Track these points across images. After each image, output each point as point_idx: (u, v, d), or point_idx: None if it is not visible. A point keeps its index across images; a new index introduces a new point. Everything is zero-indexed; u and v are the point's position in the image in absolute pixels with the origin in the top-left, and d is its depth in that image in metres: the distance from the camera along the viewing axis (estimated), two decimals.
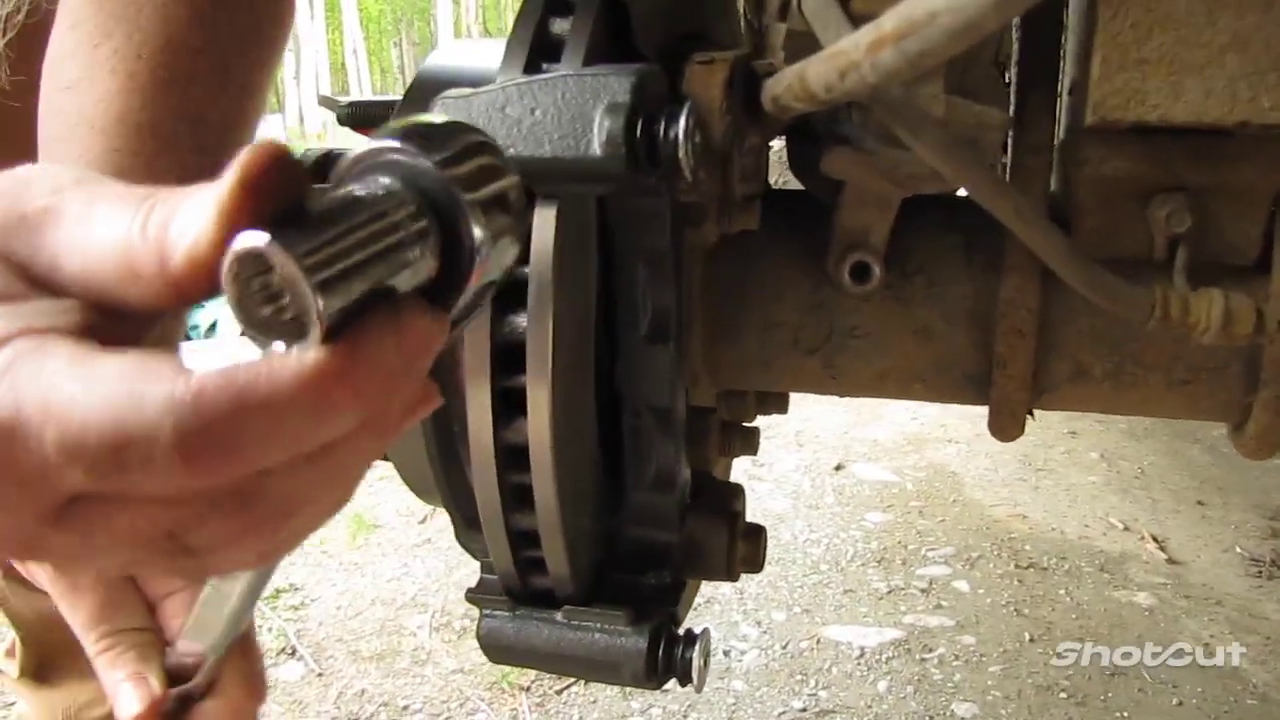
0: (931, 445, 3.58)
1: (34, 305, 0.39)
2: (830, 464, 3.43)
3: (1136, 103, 0.79)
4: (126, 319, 0.41)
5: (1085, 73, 0.81)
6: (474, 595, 0.83)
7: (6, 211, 0.40)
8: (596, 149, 0.67)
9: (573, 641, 0.80)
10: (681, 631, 0.82)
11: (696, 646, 0.80)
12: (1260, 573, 2.71)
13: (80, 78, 0.76)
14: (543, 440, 0.73)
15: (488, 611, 0.83)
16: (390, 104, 0.96)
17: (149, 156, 0.75)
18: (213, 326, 4.94)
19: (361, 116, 1.00)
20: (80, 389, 0.34)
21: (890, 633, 2.47)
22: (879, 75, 0.52)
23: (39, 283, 0.40)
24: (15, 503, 0.36)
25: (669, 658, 0.80)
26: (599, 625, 0.79)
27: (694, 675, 0.79)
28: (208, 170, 0.37)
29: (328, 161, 1.13)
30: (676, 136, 0.66)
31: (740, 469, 3.34)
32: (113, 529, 0.38)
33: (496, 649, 0.82)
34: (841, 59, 0.56)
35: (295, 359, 0.35)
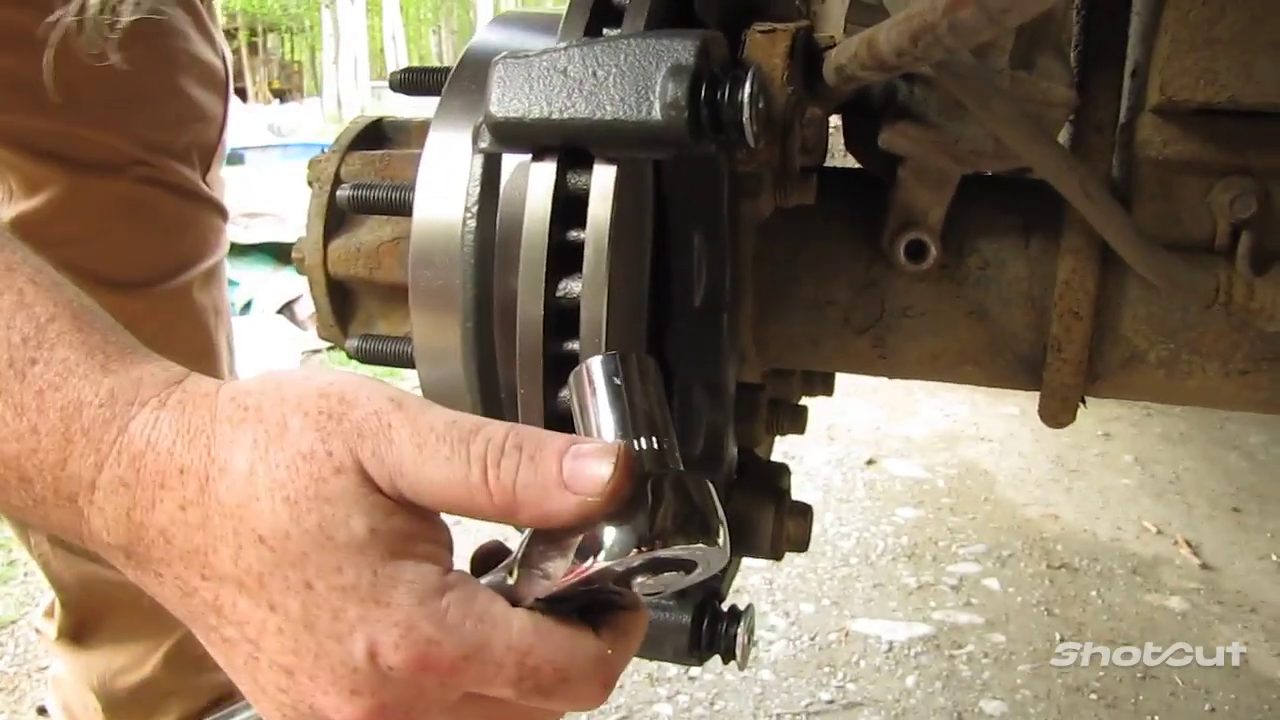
0: (964, 443, 3.55)
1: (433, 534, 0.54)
2: (862, 459, 3.41)
3: (1206, 83, 0.78)
4: None
5: (1150, 53, 0.80)
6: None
7: (349, 433, 0.51)
8: (658, 112, 0.66)
9: None
10: (725, 608, 0.81)
11: (741, 623, 0.79)
12: None
13: None
14: None
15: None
16: (442, 71, 0.95)
17: None
18: (247, 305, 4.97)
19: (412, 84, 1.00)
20: (538, 639, 0.51)
21: (919, 628, 2.45)
22: (957, 36, 0.51)
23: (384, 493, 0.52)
24: (447, 697, 0.52)
25: (712, 633, 0.79)
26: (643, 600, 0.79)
27: (737, 651, 0.79)
28: None
29: (378, 130, 1.13)
30: (741, 101, 0.65)
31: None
32: (478, 713, 0.54)
33: None
34: (915, 21, 0.55)
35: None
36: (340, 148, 1.05)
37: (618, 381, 0.56)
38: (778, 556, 0.85)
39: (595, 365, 0.57)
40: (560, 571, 0.52)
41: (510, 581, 0.53)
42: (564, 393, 0.62)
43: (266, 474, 0.50)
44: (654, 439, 0.54)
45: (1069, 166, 0.69)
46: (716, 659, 0.81)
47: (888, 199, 0.86)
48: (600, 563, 0.50)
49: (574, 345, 0.72)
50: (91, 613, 1.60)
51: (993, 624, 2.47)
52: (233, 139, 1.78)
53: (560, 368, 0.73)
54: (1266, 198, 0.83)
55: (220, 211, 1.55)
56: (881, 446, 3.52)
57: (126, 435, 0.51)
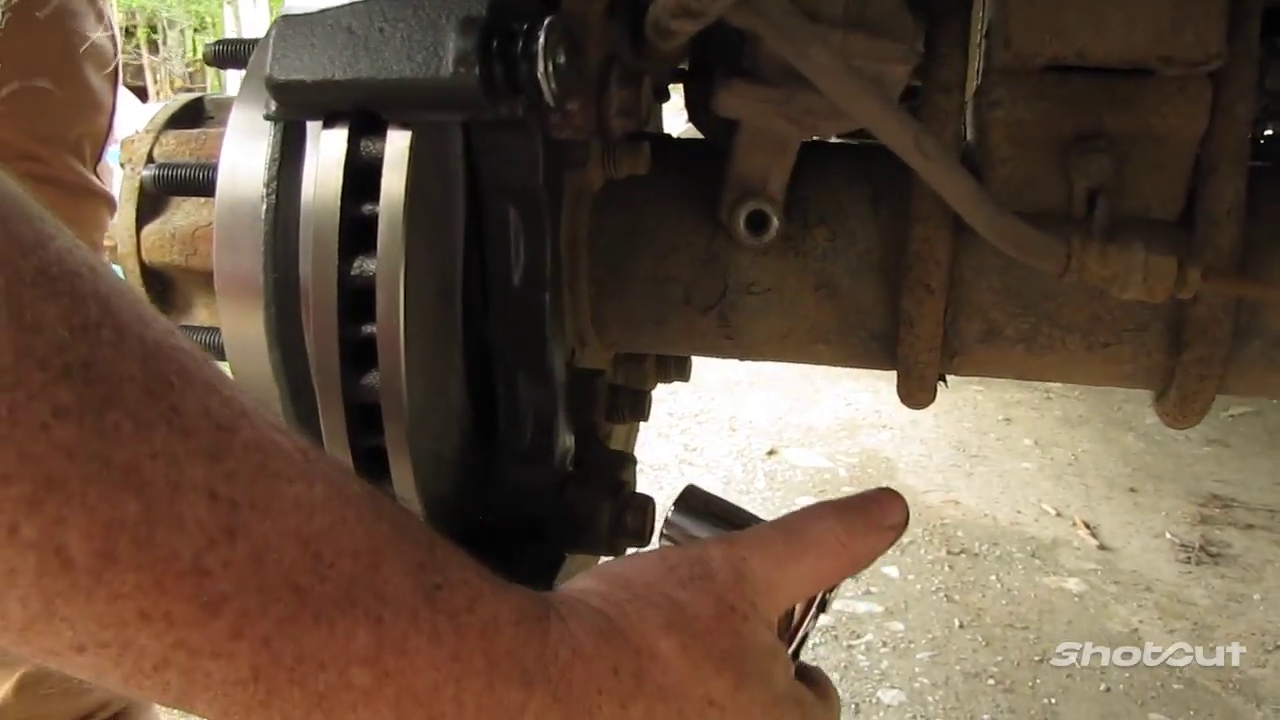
0: (865, 431, 3.54)
1: None
2: (763, 449, 3.38)
3: (1053, 37, 0.73)
4: None
5: (1002, 9, 0.75)
6: None
7: (730, 586, 0.57)
8: (448, 69, 0.60)
9: None
10: None
11: None
12: (1189, 559, 2.69)
13: None
14: (396, 395, 0.65)
15: None
16: (252, 42, 0.88)
17: None
18: None
19: (227, 56, 0.93)
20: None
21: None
22: None
23: None
24: None
25: None
26: None
27: None
28: None
29: (197, 107, 1.05)
30: (534, 54, 0.59)
31: (671, 454, 3.29)
32: None
33: None
34: None
35: None
36: (155, 126, 0.98)
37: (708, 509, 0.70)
38: (616, 552, 0.79)
39: (680, 518, 0.69)
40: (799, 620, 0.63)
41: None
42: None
43: (696, 645, 0.53)
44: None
45: (900, 121, 0.64)
46: None
47: (726, 168, 0.80)
48: (831, 602, 0.65)
49: (373, 329, 0.65)
50: None
51: (891, 612, 2.45)
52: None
53: (358, 353, 0.67)
54: (1122, 160, 0.79)
55: (109, 204, 1.45)
56: (783, 437, 3.49)
57: (548, 650, 0.50)
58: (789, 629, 0.63)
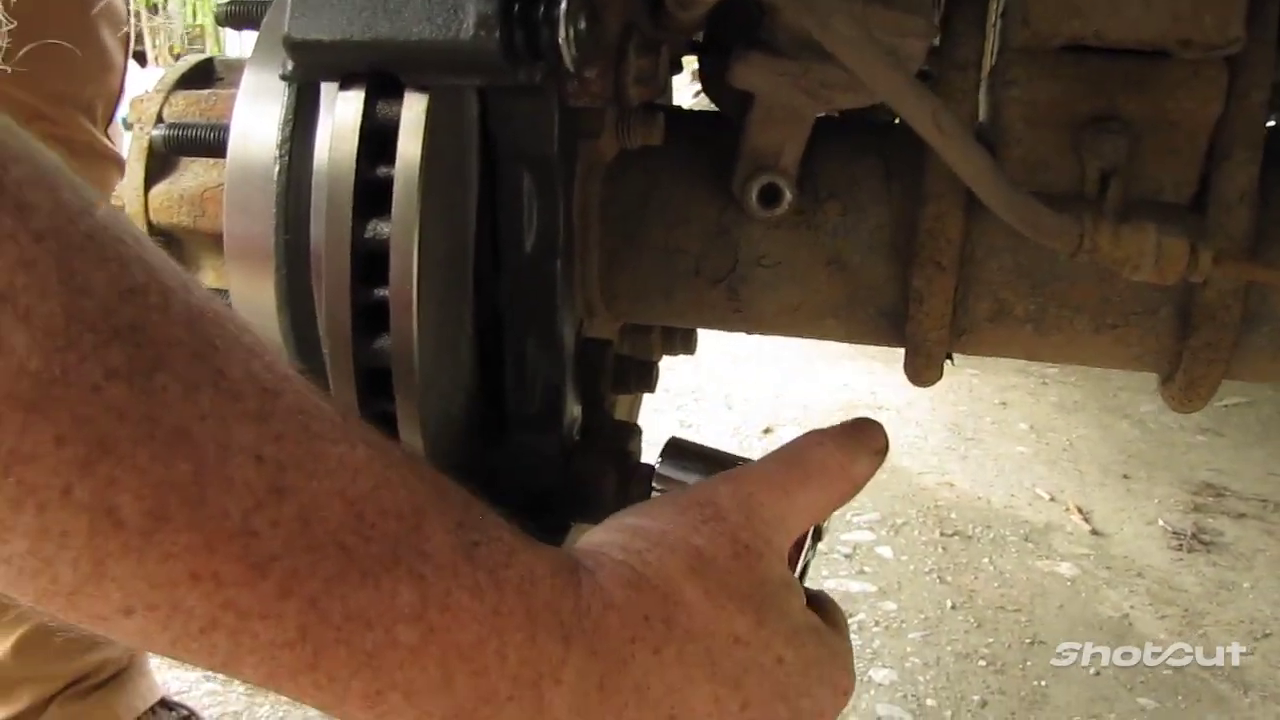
0: (861, 411, 3.50)
1: None
2: (759, 427, 3.38)
3: (1071, 15, 0.73)
4: None
5: None
6: None
7: (742, 524, 0.58)
8: (468, 31, 0.60)
9: None
10: None
11: None
12: (1181, 546, 2.71)
13: None
14: (408, 360, 0.65)
15: None
16: (266, 2, 0.88)
17: None
18: None
19: (239, 16, 0.93)
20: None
21: None
22: None
23: None
24: None
25: None
26: None
27: None
28: None
29: (207, 68, 1.05)
30: (556, 19, 0.59)
31: (668, 430, 3.29)
32: None
33: None
34: None
35: None
36: (165, 86, 0.97)
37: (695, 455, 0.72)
38: None
39: (668, 469, 0.71)
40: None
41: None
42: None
43: (718, 587, 0.54)
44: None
45: (919, 95, 0.63)
46: None
47: (740, 141, 0.80)
48: (825, 531, 0.66)
49: (385, 292, 0.65)
50: None
51: (885, 592, 2.46)
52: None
53: (370, 317, 0.67)
54: (1136, 143, 0.78)
55: (119, 165, 1.44)
56: (779, 415, 3.49)
57: (582, 602, 0.51)
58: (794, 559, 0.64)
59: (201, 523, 0.37)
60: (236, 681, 0.45)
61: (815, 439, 0.64)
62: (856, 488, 0.63)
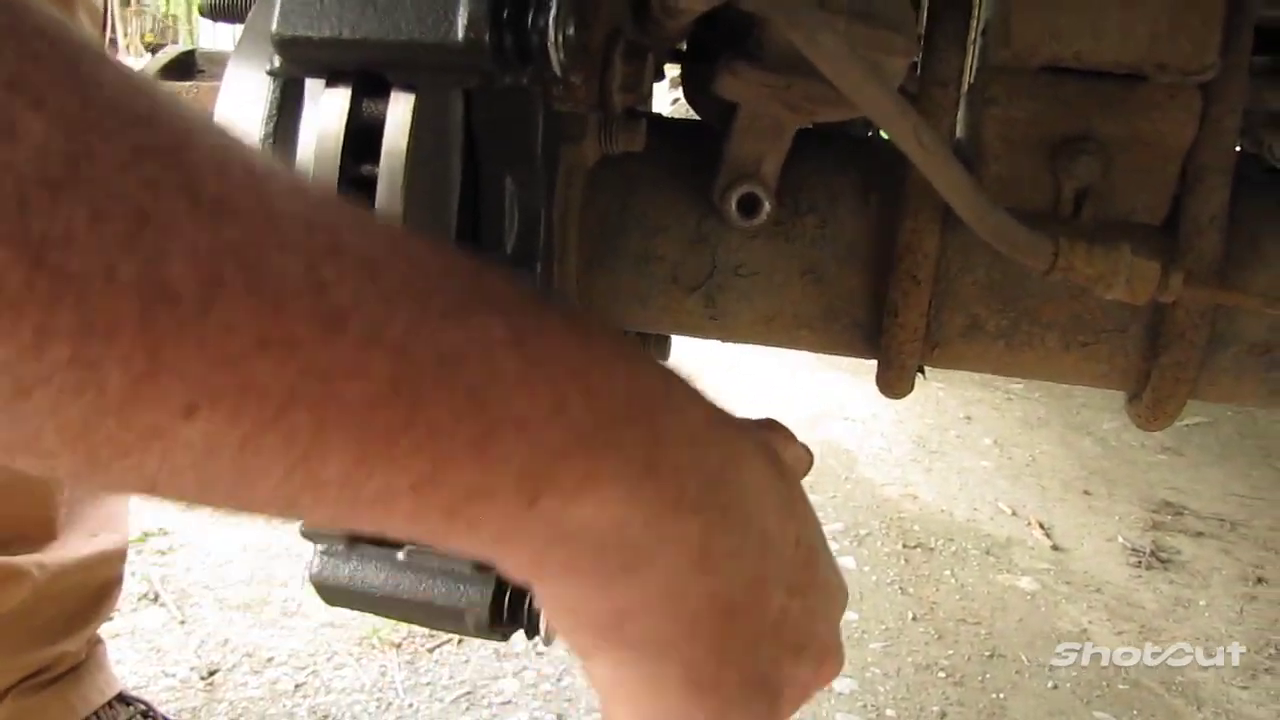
0: (829, 422, 3.56)
1: None
2: None
3: (1052, 38, 0.74)
4: None
5: (1002, 8, 0.76)
6: (310, 530, 0.76)
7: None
8: (459, 33, 0.60)
9: (413, 585, 0.73)
10: None
11: None
12: (1139, 563, 2.73)
13: None
14: None
15: (323, 548, 0.75)
16: None
17: None
18: None
19: (223, 9, 0.93)
20: None
21: None
22: None
23: None
24: None
25: (515, 607, 0.73)
26: (442, 568, 0.73)
27: (541, 627, 0.73)
28: None
29: (189, 60, 1.05)
30: (545, 24, 0.59)
31: None
32: None
33: (329, 589, 0.75)
34: None
35: None
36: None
37: None
38: None
39: None
40: None
41: None
42: None
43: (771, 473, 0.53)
44: None
45: (902, 111, 0.64)
46: None
47: (721, 150, 0.80)
48: None
49: None
50: None
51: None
52: None
53: None
54: (1110, 164, 0.80)
55: None
56: None
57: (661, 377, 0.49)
58: None
59: (262, 284, 0.33)
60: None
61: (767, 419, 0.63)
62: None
